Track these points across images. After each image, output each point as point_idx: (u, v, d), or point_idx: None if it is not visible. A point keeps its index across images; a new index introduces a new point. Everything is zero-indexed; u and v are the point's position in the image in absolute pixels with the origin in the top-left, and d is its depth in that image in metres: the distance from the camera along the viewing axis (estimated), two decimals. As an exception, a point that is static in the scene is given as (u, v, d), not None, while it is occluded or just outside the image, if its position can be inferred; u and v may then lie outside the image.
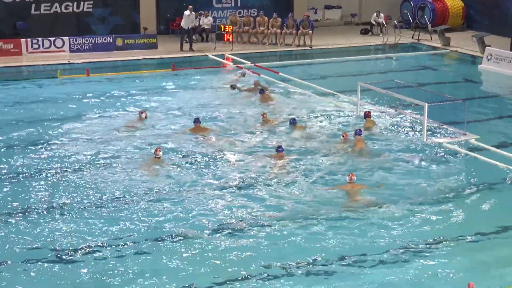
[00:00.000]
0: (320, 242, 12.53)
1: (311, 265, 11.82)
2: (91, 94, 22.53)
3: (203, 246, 12.38)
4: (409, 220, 13.42)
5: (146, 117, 19.57)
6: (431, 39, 32.38)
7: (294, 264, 11.83)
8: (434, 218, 13.56)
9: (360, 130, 17.73)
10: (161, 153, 16.12)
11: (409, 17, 34.57)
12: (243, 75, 24.44)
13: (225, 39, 30.28)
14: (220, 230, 12.96)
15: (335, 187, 14.93)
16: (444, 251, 12.33)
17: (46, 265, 11.73)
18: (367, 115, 19.16)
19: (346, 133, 17.82)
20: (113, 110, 20.58)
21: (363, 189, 14.74)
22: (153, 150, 16.36)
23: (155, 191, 14.61)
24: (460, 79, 26.24)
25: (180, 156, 16.66)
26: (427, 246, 12.47)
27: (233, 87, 22.71)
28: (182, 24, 29.42)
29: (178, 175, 15.51)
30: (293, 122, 18.94)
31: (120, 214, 13.58)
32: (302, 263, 11.85)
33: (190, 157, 16.60)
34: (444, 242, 12.58)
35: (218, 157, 16.64)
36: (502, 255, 12.30)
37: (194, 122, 18.36)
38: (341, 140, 17.61)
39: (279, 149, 16.49)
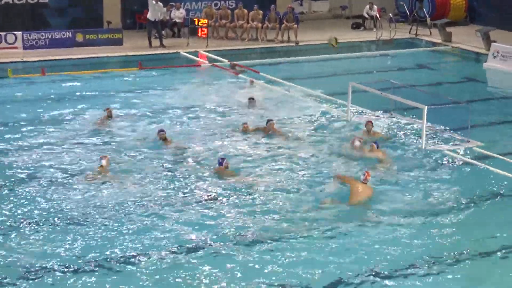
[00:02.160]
0: (316, 260, 12.51)
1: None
2: (46, 96, 22.41)
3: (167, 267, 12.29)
4: (409, 235, 13.44)
5: (111, 115, 19.68)
6: (431, 34, 32.55)
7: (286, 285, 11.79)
8: (433, 233, 13.56)
9: (377, 142, 17.49)
10: (103, 161, 16.07)
11: (406, 10, 34.73)
12: (252, 83, 23.94)
13: (200, 34, 30.24)
14: (184, 250, 12.78)
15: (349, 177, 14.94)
16: (446, 268, 12.34)
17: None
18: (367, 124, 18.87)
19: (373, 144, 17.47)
20: (72, 114, 20.44)
21: (370, 194, 14.75)
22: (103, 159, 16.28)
23: (95, 207, 14.43)
24: (463, 79, 26.35)
25: (132, 168, 16.49)
26: (428, 262, 12.48)
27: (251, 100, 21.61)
28: (148, 16, 29.37)
29: (123, 190, 15.28)
30: (268, 121, 18.94)
31: (56, 232, 13.41)
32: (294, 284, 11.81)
33: (144, 169, 16.41)
34: (447, 258, 12.60)
35: (174, 170, 16.43)
36: (507, 273, 12.34)
37: (159, 133, 18.09)
38: (368, 149, 17.46)
39: (220, 161, 16.26)
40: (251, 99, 21.42)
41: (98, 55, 28.03)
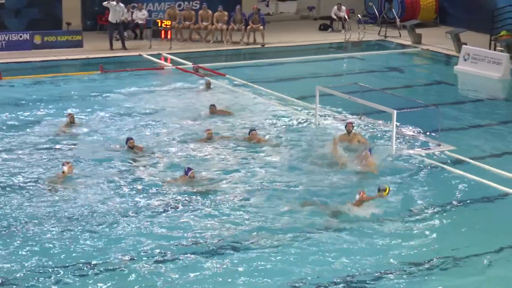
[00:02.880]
0: (287, 268, 12.63)
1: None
2: (4, 101, 22.30)
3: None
4: (380, 241, 13.67)
5: (74, 121, 19.69)
6: (400, 36, 32.80)
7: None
8: (404, 239, 13.73)
9: (370, 150, 17.54)
10: (65, 168, 16.13)
11: (375, 11, 34.98)
12: (208, 86, 23.94)
13: (163, 36, 30.24)
14: (144, 259, 12.85)
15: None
16: (419, 274, 12.53)
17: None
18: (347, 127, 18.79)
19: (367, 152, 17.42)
20: (31, 120, 20.41)
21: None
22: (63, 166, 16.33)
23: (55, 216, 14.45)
24: (433, 82, 26.62)
25: (96, 175, 16.50)
26: (399, 270, 12.65)
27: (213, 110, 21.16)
28: (109, 17, 29.33)
29: (84, 198, 15.32)
30: (251, 130, 18.90)
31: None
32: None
33: (108, 177, 16.44)
34: (417, 267, 12.76)
35: (139, 179, 16.46)
36: (480, 279, 12.57)
37: (128, 141, 18.07)
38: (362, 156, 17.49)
39: (186, 170, 16.27)
40: (212, 106, 21.16)
41: (57, 58, 27.91)
